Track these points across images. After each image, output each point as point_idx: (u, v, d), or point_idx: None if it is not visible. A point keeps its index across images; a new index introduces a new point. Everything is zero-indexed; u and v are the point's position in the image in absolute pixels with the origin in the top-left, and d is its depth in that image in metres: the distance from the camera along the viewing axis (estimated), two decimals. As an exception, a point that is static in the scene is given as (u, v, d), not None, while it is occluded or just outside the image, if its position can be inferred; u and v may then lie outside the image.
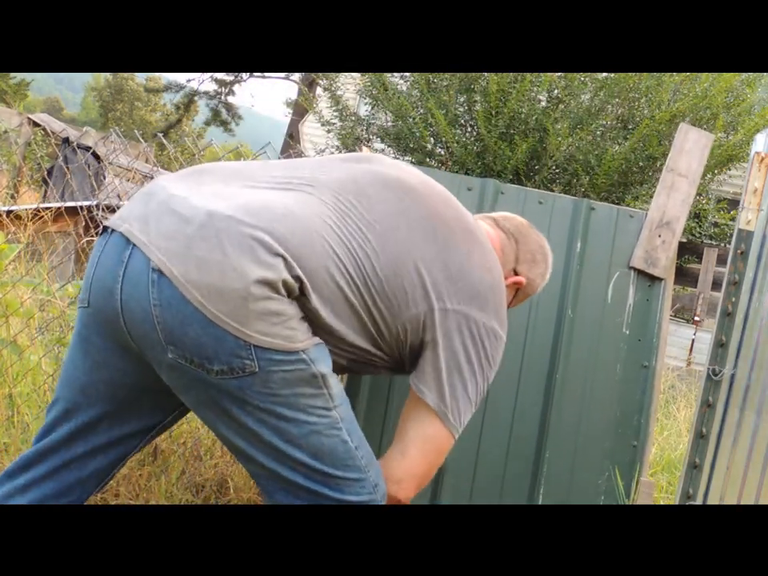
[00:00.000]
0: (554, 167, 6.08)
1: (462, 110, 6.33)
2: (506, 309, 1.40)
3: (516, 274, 1.53)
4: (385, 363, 1.34)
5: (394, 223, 1.26)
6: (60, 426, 1.29)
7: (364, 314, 1.23)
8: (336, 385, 1.22)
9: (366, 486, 1.25)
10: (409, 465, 1.32)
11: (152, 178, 4.65)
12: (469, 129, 6.40)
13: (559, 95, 6.15)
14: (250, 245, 1.11)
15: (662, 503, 2.60)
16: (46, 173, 6.62)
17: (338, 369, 1.28)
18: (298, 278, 1.14)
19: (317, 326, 1.20)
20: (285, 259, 1.12)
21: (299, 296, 1.16)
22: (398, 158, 6.29)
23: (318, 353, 1.19)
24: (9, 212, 3.44)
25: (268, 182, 1.26)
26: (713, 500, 1.73)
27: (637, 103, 6.06)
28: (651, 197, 2.06)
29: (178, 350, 1.11)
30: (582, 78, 6.09)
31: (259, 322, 1.10)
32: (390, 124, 6.58)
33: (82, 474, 1.29)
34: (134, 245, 1.14)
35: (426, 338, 1.29)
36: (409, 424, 1.33)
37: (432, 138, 6.27)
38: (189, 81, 21.61)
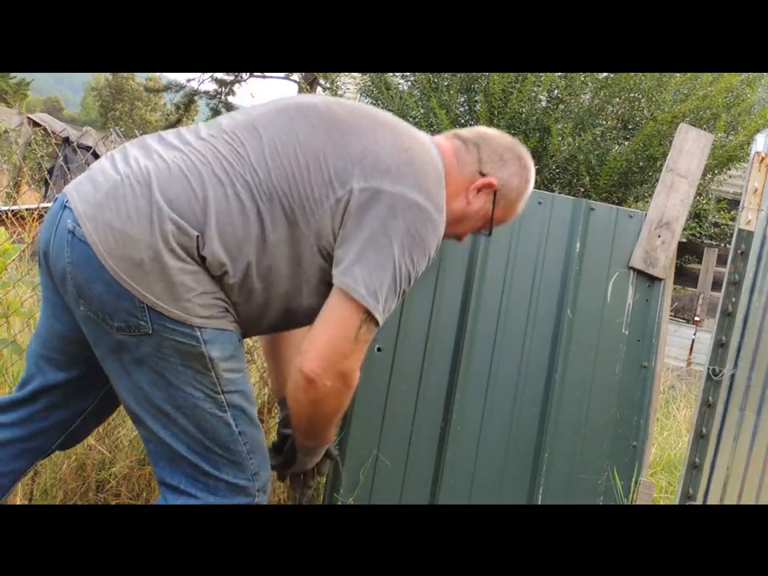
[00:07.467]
0: (554, 167, 6.07)
1: (462, 109, 6.33)
2: (438, 187, 1.34)
3: (483, 176, 1.45)
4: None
5: (283, 136, 1.28)
6: (29, 382, 1.42)
7: (286, 224, 1.25)
8: (228, 372, 1.26)
9: (244, 471, 1.30)
10: (311, 334, 1.30)
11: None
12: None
13: (560, 95, 6.15)
14: (150, 211, 1.18)
15: (661, 503, 2.59)
16: (47, 173, 6.62)
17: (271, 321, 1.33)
18: (194, 237, 1.19)
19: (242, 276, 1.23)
20: (178, 224, 1.18)
21: (202, 262, 1.20)
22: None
23: (215, 336, 1.23)
24: (12, 212, 3.44)
25: (185, 142, 1.30)
26: (713, 500, 1.73)
27: (637, 103, 6.06)
28: (652, 197, 2.05)
29: (86, 304, 1.21)
30: (583, 78, 6.08)
31: (155, 285, 1.18)
32: (390, 124, 6.57)
33: (45, 425, 1.42)
34: (65, 207, 1.23)
35: (338, 230, 1.27)
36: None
37: (432, 138, 6.26)
38: (189, 81, 21.56)
